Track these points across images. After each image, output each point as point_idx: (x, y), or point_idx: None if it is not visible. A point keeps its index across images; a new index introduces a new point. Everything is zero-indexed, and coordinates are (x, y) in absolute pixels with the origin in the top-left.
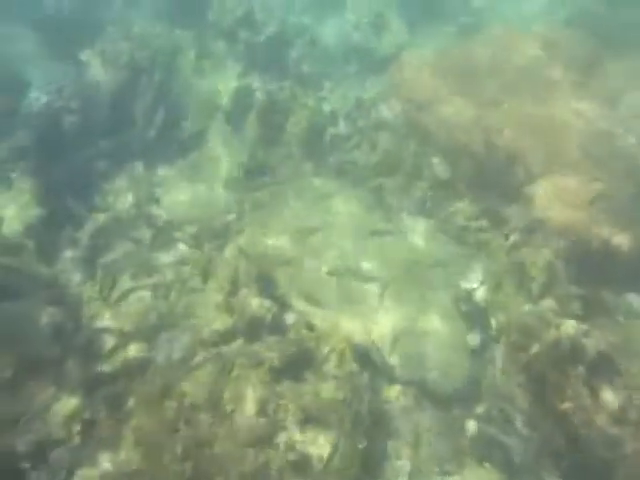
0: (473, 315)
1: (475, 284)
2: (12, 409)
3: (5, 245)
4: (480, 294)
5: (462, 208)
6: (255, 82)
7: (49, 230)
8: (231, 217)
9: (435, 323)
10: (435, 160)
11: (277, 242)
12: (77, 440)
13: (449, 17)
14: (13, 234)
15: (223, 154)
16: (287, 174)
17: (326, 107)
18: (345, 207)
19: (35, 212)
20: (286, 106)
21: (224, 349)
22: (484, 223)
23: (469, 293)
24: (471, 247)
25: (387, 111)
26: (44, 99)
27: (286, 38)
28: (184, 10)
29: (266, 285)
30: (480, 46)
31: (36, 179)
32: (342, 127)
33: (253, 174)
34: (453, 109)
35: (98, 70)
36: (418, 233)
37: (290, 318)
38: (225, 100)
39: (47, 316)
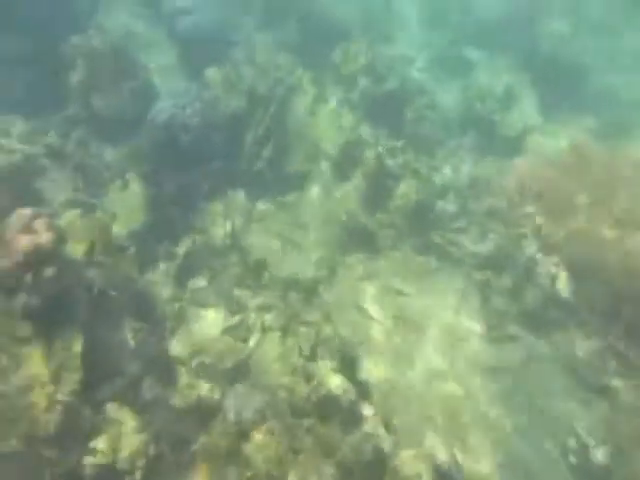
0: (584, 473)
1: (593, 440)
2: (81, 424)
3: (111, 245)
4: (598, 454)
5: (583, 338)
6: (367, 135)
7: (150, 239)
8: (321, 275)
9: (536, 466)
10: (556, 272)
11: (366, 319)
12: (138, 475)
13: (590, 106)
14: (118, 235)
15: (323, 205)
16: (386, 243)
17: (437, 178)
18: (443, 297)
19: (141, 218)
20: (396, 171)
21: (295, 422)
22: (610, 364)
23: (584, 448)
24: (591, 389)
25: (504, 202)
26: (167, 113)
27: (405, 95)
28: (310, 47)
29: (347, 362)
30: (628, 155)
31: (147, 186)
32: (452, 204)
33: (351, 235)
34: (586, 220)
35: (219, 91)
36: (524, 352)
37: (368, 410)
38: (334, 148)
39: (132, 329)
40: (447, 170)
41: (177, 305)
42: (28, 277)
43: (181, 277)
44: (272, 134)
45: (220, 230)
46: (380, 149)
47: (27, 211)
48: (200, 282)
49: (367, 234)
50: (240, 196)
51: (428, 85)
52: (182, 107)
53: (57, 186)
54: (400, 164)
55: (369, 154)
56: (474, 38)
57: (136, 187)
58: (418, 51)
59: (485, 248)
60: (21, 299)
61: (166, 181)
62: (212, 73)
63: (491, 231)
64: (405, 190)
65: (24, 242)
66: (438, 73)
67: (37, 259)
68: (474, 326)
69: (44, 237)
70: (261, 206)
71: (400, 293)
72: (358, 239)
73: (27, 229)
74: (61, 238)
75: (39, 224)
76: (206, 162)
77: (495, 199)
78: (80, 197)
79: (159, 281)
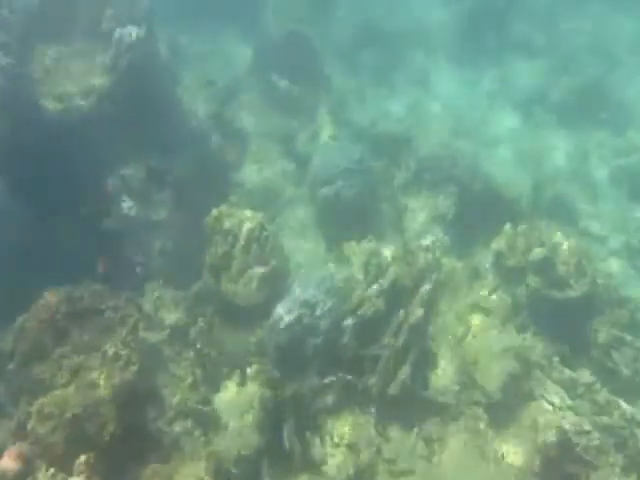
0: None
1: None
2: None
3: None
4: None
5: None
6: (539, 355)
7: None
8: None
9: None
10: None
11: None
12: None
13: None
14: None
15: (472, 464)
16: None
17: None
18: None
19: (254, 437)
20: (584, 453)
21: None
22: None
23: None
24: None
25: None
26: (295, 313)
27: (595, 302)
28: (466, 221)
29: None
30: None
31: (267, 390)
32: None
33: None
34: None
35: (357, 277)
36: None
37: None
38: (490, 380)
39: None
40: None
41: None
42: None
43: None
44: (412, 347)
45: (341, 463)
46: (566, 425)
47: None
48: None
49: None
50: (369, 421)
51: (631, 286)
52: (311, 306)
53: (175, 383)
54: (593, 438)
55: (544, 413)
56: None
57: (254, 388)
58: (614, 234)
59: None
60: None
61: (288, 386)
62: (351, 249)
63: None
64: None
65: None
66: None
67: None
68: None
69: None
70: (393, 441)
71: None
72: None
73: None
74: None
75: None
76: (334, 369)
77: None
78: (194, 405)
79: None
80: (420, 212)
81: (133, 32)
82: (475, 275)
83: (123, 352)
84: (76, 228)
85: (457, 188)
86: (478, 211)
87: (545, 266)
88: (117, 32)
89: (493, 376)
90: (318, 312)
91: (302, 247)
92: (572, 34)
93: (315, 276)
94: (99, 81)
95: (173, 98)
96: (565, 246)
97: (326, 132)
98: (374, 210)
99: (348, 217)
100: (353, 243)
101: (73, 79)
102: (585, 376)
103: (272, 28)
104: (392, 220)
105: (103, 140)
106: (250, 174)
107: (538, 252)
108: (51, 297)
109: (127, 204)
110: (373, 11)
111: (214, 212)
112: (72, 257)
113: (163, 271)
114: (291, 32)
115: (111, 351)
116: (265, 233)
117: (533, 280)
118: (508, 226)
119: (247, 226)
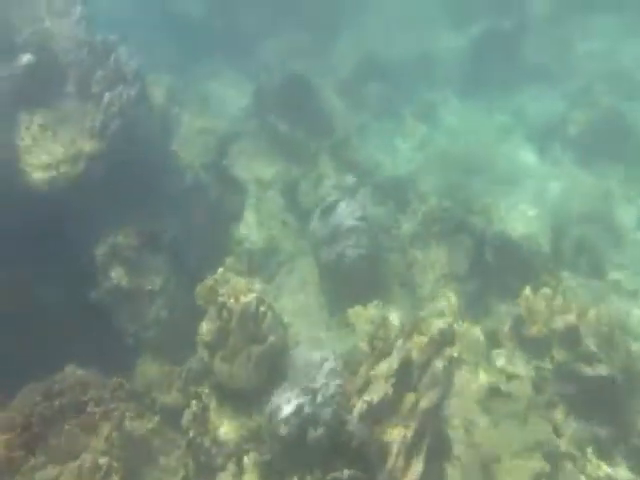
0: None
1: None
2: None
3: None
4: None
5: None
6: (573, 441)
7: None
8: None
9: None
10: None
11: None
12: None
13: None
14: None
15: None
16: None
17: None
18: None
19: None
20: None
21: None
22: None
23: None
24: None
25: None
26: (294, 401)
27: (633, 382)
28: (486, 275)
29: None
30: None
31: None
32: None
33: None
34: None
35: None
36: None
37: None
38: (517, 470)
39: None
40: None
41: None
42: None
43: None
44: (425, 437)
45: None
46: None
47: None
48: None
49: None
50: None
51: None
52: (312, 393)
53: (165, 475)
54: None
55: None
56: None
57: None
58: None
59: None
60: None
61: None
62: (356, 315)
63: None
64: None
65: None
66: None
67: None
68: None
69: None
70: None
71: None
72: None
73: None
74: None
75: None
76: (339, 462)
77: None
78: None
79: None
80: (431, 268)
81: (123, 94)
82: (493, 343)
83: (103, 461)
84: (63, 301)
85: (471, 239)
86: (494, 264)
87: (571, 336)
88: (106, 95)
89: (518, 477)
90: (320, 399)
91: (303, 312)
92: (587, 59)
93: (315, 356)
94: (87, 146)
95: (167, 153)
96: (594, 313)
97: (329, 179)
98: (381, 269)
99: (352, 279)
100: (358, 308)
101: (61, 145)
102: (624, 473)
103: (272, 66)
104: (401, 277)
105: (92, 207)
106: (249, 228)
107: (563, 320)
108: (23, 402)
109: (117, 273)
110: (376, 42)
111: (209, 281)
112: (59, 330)
113: (157, 342)
114: (290, 74)
115: (89, 461)
116: (262, 308)
117: (558, 353)
118: (528, 289)
119: (243, 300)
